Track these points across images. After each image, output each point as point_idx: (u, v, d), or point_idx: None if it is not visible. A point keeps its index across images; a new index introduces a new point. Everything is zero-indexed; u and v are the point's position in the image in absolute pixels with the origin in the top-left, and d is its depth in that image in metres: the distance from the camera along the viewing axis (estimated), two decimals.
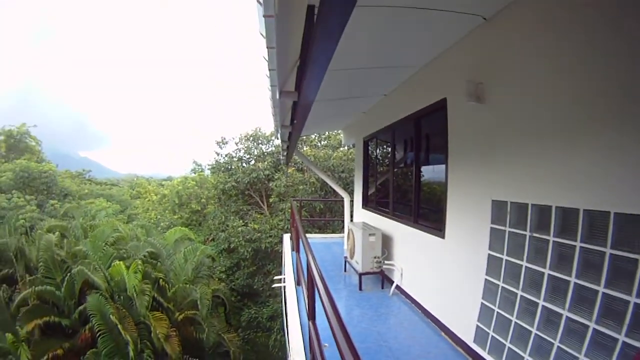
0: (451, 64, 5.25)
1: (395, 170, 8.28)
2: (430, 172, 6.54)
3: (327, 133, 21.53)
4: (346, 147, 19.55)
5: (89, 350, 12.19)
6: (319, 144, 22.54)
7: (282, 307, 10.14)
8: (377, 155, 10.13)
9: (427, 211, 6.51)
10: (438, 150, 5.91)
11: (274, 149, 23.12)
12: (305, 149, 21.82)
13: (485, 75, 4.37)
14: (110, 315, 12.21)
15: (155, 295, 14.19)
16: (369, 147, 10.32)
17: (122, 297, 13.72)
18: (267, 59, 3.42)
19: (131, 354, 11.86)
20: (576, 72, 3.13)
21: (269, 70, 3.71)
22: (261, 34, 2.94)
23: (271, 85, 4.22)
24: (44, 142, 33.20)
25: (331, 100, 7.47)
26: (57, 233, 15.91)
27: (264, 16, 2.53)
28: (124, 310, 12.99)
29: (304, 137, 20.96)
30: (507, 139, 4.08)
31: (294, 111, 5.20)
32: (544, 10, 3.48)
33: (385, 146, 9.45)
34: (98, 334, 12.21)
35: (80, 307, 13.04)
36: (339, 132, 16.25)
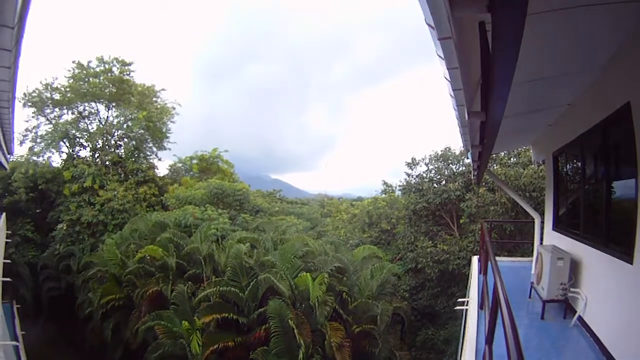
0: (630, 63, 4.61)
1: (586, 187, 7.42)
2: (622, 188, 5.72)
3: (516, 150, 20.11)
4: (536, 164, 18.09)
5: (260, 347, 13.42)
6: (509, 162, 21.19)
7: (461, 330, 9.85)
8: (567, 171, 9.21)
9: (617, 233, 5.69)
10: (627, 162, 5.14)
11: (464, 168, 22.47)
12: (495, 167, 20.71)
13: None
14: (289, 320, 13.29)
15: (337, 307, 14.93)
16: (559, 163, 9.42)
17: (303, 305, 14.83)
18: (449, 79, 3.46)
19: (301, 356, 12.63)
20: None
21: (453, 90, 3.74)
22: (439, 56, 3.00)
23: (457, 105, 4.22)
24: (237, 166, 36.79)
25: (515, 115, 7.04)
26: (247, 244, 17.68)
27: (439, 39, 2.59)
28: (302, 317, 13.99)
29: (494, 155, 19.91)
30: None
31: (483, 130, 5.06)
32: None
33: (574, 161, 8.56)
34: (272, 335, 13.37)
35: (260, 309, 14.45)
36: (528, 148, 15.11)
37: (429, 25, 2.48)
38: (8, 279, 11.57)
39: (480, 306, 7.17)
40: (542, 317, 7.03)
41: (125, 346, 17.19)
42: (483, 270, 7.14)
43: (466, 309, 8.62)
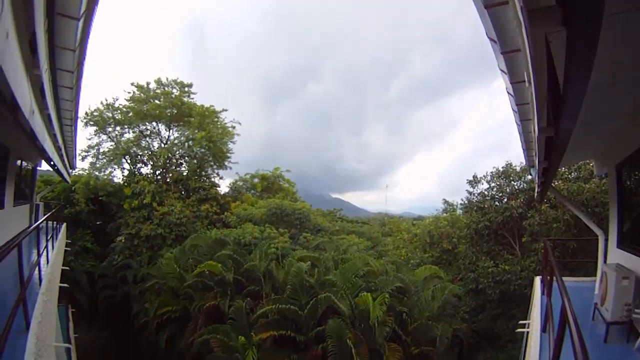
0: None
1: None
2: None
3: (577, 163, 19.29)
4: (598, 178, 17.23)
5: None
6: (570, 176, 20.33)
7: (521, 353, 9.52)
8: (631, 184, 8.70)
9: None
10: None
11: (526, 185, 21.92)
12: (556, 183, 19.90)
13: None
14: (347, 339, 13.26)
15: (396, 327, 14.82)
16: (622, 176, 8.92)
17: (362, 325, 14.74)
18: (512, 93, 3.39)
19: None
20: None
21: (517, 105, 3.64)
22: (502, 70, 2.97)
23: (521, 120, 4.09)
24: (298, 185, 37.59)
25: (578, 127, 6.72)
26: (308, 262, 17.83)
27: (502, 53, 2.56)
28: (361, 336, 13.91)
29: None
30: None
31: (549, 145, 4.87)
32: None
33: (638, 172, 8.08)
34: (329, 354, 13.40)
35: (319, 328, 14.56)
36: (589, 161, 14.42)
37: (490, 39, 2.45)
38: (65, 285, 12.14)
39: (543, 329, 6.93)
40: (605, 340, 6.67)
41: (179, 356, 17.65)
42: (547, 291, 6.88)
43: (527, 332, 8.26)
